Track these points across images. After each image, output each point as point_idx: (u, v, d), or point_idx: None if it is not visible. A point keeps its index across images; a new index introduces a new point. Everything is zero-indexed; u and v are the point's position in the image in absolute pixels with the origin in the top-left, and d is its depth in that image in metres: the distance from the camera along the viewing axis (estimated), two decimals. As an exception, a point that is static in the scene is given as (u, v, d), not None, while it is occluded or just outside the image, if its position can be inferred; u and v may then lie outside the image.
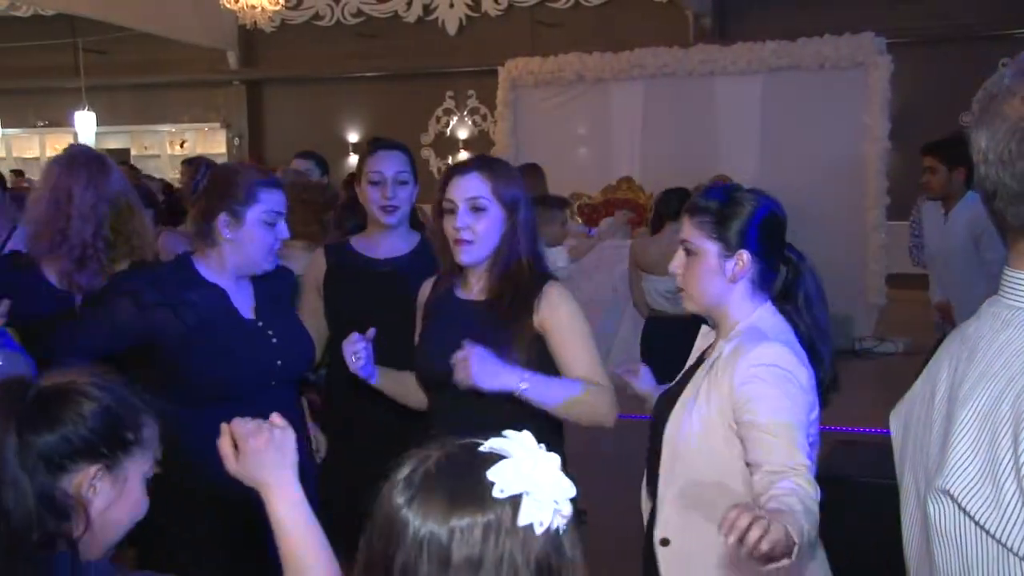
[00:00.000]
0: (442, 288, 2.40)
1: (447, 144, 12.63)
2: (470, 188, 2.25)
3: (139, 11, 10.52)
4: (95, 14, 10.58)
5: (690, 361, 2.15)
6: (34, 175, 13.95)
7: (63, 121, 13.64)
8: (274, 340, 2.41)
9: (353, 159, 12.59)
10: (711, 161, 8.57)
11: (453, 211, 2.25)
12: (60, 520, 1.24)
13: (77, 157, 2.84)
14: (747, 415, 1.81)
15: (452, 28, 12.39)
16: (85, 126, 12.76)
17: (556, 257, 4.78)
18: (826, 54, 8.31)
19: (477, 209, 2.23)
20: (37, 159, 14.43)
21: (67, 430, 1.30)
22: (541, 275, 2.31)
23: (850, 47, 8.27)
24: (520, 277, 2.26)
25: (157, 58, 13.01)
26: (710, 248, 1.96)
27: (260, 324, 2.45)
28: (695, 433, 1.91)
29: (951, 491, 1.05)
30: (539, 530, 0.97)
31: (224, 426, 1.46)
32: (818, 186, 8.13)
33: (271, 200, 2.41)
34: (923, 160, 4.60)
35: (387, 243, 2.88)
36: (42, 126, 14.34)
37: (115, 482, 1.35)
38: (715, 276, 1.96)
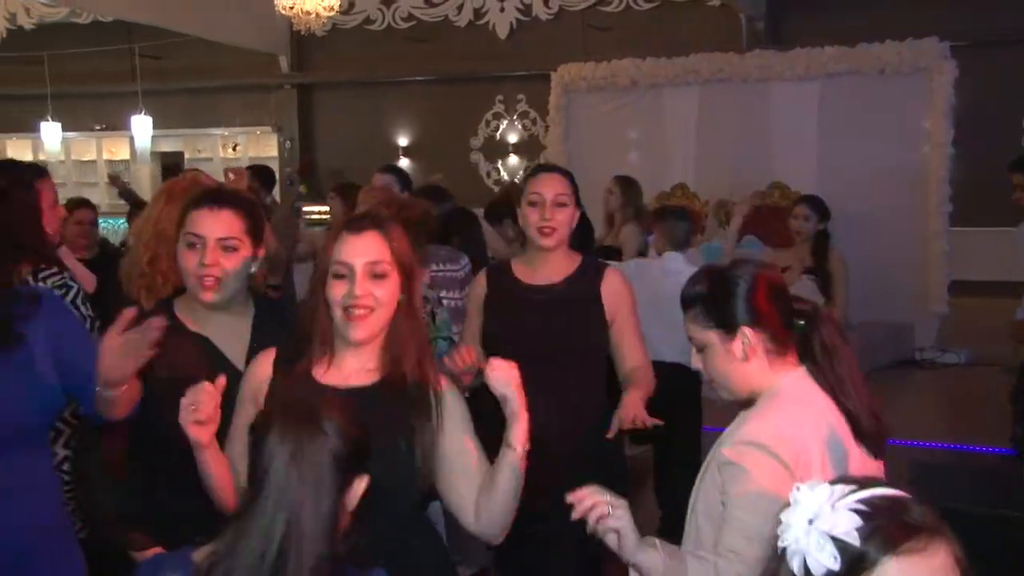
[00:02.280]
0: (297, 372, 1.95)
1: (497, 148, 12.60)
2: (371, 251, 1.90)
3: (194, 17, 10.68)
4: (152, 20, 10.75)
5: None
6: (90, 178, 14.25)
7: (120, 125, 13.84)
8: None
9: (403, 163, 12.63)
10: (767, 168, 8.46)
11: (346, 276, 1.89)
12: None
13: (173, 188, 2.67)
14: (723, 497, 1.80)
15: (503, 32, 12.36)
16: (142, 130, 12.94)
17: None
18: (887, 59, 8.12)
19: (377, 276, 1.89)
20: (94, 162, 14.69)
21: (352, 448, 1.49)
22: (431, 363, 1.98)
23: (912, 52, 8.07)
24: (424, 360, 1.95)
25: (210, 63, 13.15)
26: (712, 338, 1.90)
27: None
28: (699, 496, 1.90)
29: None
30: None
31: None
32: (878, 193, 7.97)
33: (191, 221, 2.18)
34: (1012, 177, 4.48)
35: (545, 268, 2.84)
36: (99, 130, 14.58)
37: (360, 482, 1.54)
38: (729, 363, 1.89)
